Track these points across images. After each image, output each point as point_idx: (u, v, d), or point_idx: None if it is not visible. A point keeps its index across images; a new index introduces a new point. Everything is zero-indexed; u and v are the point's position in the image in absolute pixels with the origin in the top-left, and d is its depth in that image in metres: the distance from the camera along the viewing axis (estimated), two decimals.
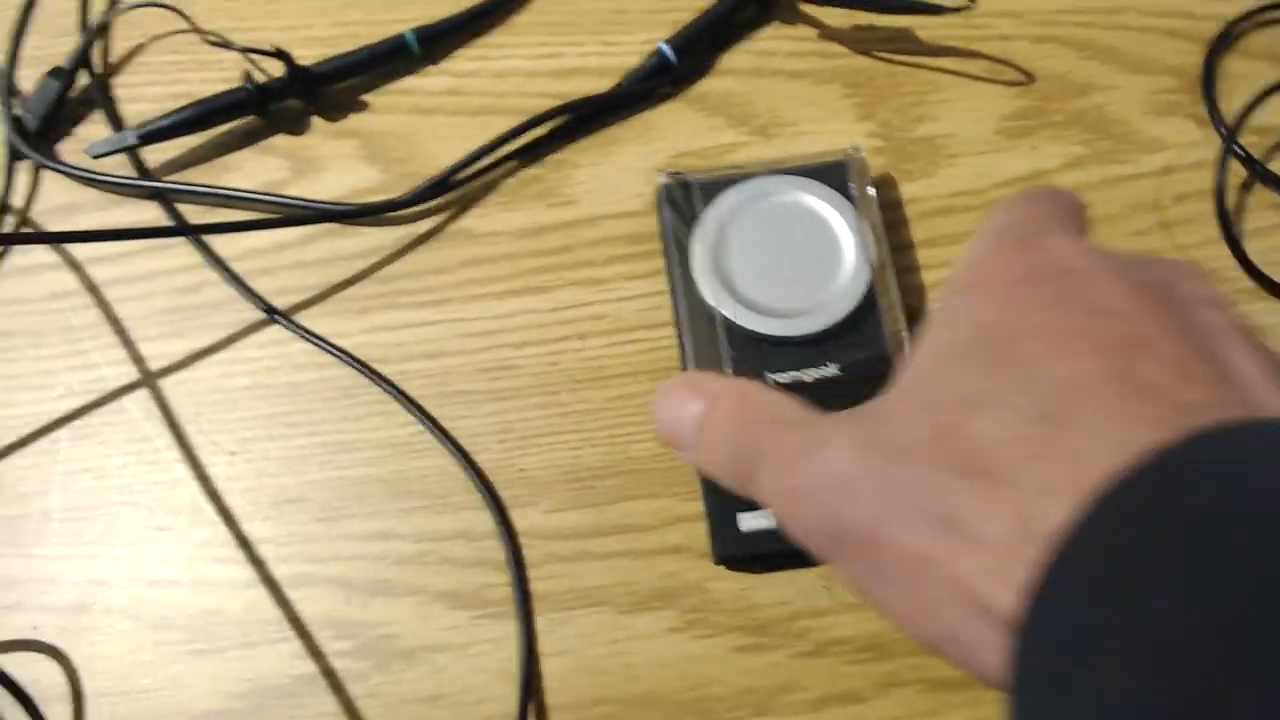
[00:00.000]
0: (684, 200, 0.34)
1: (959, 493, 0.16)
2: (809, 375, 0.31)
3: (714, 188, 0.34)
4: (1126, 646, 0.13)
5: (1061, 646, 0.13)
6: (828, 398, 0.31)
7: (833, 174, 0.34)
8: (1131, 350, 0.16)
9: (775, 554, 0.31)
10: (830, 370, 0.32)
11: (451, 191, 0.36)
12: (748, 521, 0.30)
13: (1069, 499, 0.15)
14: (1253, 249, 0.35)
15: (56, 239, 0.35)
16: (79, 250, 0.36)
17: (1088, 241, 0.19)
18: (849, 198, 0.33)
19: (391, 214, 0.36)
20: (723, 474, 0.23)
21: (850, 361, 0.32)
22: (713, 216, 0.33)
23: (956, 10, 0.36)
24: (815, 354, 0.32)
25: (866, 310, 0.32)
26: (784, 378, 0.32)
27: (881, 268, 0.33)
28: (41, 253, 0.36)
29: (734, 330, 0.32)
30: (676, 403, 0.25)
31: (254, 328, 0.35)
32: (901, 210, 0.36)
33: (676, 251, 0.33)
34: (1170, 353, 0.16)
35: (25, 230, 0.36)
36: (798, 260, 0.32)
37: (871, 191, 0.34)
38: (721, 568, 0.32)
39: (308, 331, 0.35)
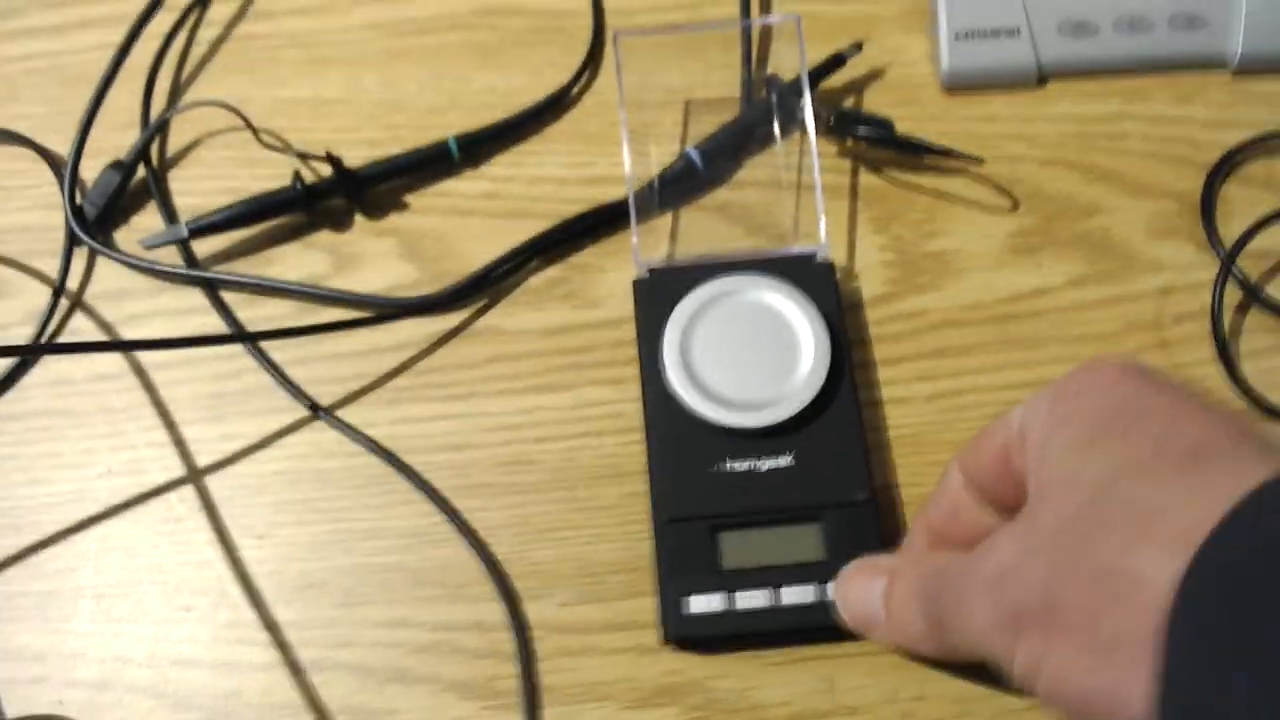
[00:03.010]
0: (658, 294, 0.36)
1: (1122, 540, 0.20)
2: (764, 465, 0.33)
3: (685, 283, 0.36)
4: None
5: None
6: (780, 484, 0.33)
7: (800, 271, 0.36)
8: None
9: (721, 636, 0.32)
10: (784, 460, 0.33)
11: (482, 290, 0.38)
12: (697, 604, 0.32)
13: (1217, 512, 0.18)
14: (1247, 370, 0.36)
15: (114, 348, 0.37)
16: (125, 331, 0.38)
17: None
18: (813, 297, 0.35)
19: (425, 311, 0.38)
20: (918, 637, 0.27)
21: (802, 452, 0.33)
22: (682, 311, 0.35)
23: (970, 159, 0.38)
24: (771, 445, 0.33)
25: (821, 406, 0.34)
26: (741, 466, 0.33)
27: (838, 364, 0.34)
28: (89, 334, 0.38)
29: (695, 420, 0.34)
30: (860, 586, 0.30)
31: (289, 414, 0.37)
32: (911, 321, 0.38)
33: (648, 343, 0.35)
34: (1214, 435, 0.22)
35: (85, 340, 0.38)
36: (759, 356, 0.35)
37: (836, 292, 0.36)
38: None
39: (340, 420, 0.36)
